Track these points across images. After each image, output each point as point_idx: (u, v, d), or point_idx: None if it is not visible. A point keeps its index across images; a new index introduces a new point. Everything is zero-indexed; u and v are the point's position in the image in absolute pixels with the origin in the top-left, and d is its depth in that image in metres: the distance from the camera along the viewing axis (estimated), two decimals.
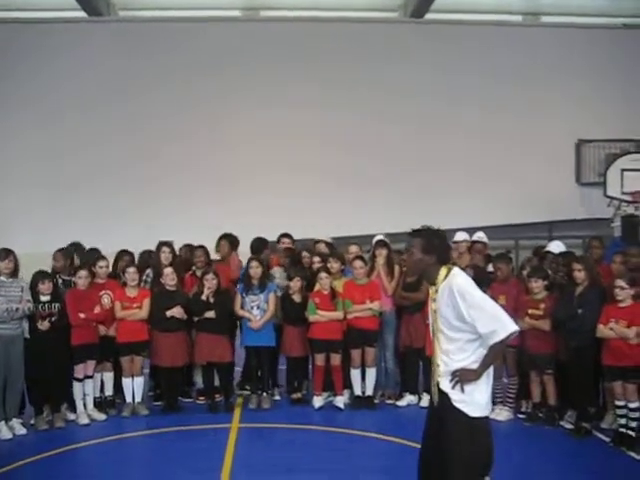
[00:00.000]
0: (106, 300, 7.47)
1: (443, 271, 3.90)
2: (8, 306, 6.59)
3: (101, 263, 7.59)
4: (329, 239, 9.01)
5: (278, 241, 8.66)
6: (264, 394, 7.75)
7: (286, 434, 6.84)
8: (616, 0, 16.37)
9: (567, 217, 14.37)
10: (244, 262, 8.06)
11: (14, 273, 6.90)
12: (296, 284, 7.76)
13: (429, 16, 15.32)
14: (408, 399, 7.75)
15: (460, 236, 8.48)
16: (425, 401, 7.07)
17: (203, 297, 7.52)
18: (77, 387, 7.20)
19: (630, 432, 6.21)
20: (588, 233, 13.36)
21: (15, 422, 6.84)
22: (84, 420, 7.14)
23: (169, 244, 8.05)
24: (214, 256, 8.36)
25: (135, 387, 7.55)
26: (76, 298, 7.18)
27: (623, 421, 6.27)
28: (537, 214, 14.21)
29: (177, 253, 8.24)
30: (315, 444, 6.51)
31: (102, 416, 7.32)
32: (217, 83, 14.26)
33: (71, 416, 7.22)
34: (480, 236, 8.60)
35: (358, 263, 7.72)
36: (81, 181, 13.79)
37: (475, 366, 3.81)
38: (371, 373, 7.73)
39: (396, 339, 7.87)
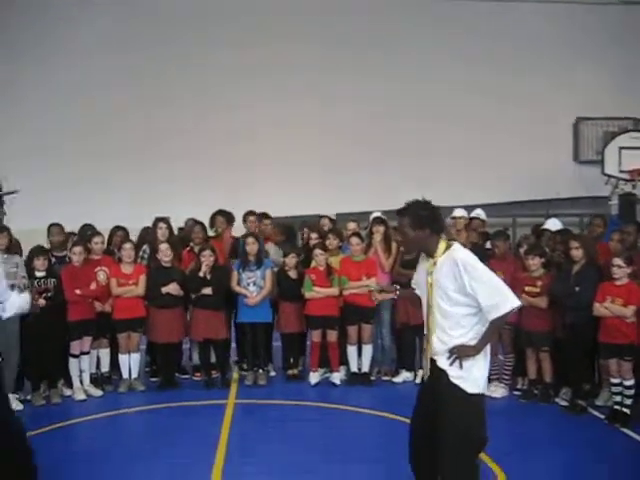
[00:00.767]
0: (102, 276, 7.45)
1: (442, 244, 3.87)
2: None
3: (96, 239, 7.55)
4: (333, 216, 8.97)
5: (260, 221, 8.59)
6: (260, 370, 7.76)
7: (282, 410, 6.86)
8: None
9: (565, 195, 14.34)
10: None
11: (9, 249, 6.87)
12: (291, 260, 7.75)
13: None
14: (404, 376, 7.77)
15: (458, 212, 8.45)
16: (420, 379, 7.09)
17: (200, 274, 7.50)
18: (73, 363, 7.21)
19: (625, 409, 6.24)
20: (586, 211, 13.39)
21: (12, 398, 6.83)
22: (80, 396, 7.15)
23: (166, 220, 8.00)
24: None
25: (132, 363, 7.56)
26: (72, 274, 7.17)
27: (618, 398, 6.30)
28: (535, 192, 14.18)
29: (176, 228, 8.20)
30: (311, 420, 6.53)
31: (98, 392, 7.34)
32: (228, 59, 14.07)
33: (67, 392, 7.26)
34: (478, 213, 8.59)
35: (355, 240, 7.71)
36: (81, 157, 13.64)
37: (473, 342, 3.79)
38: (367, 350, 7.74)
39: (393, 316, 7.86)
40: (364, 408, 6.82)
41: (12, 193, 3.65)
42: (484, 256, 7.10)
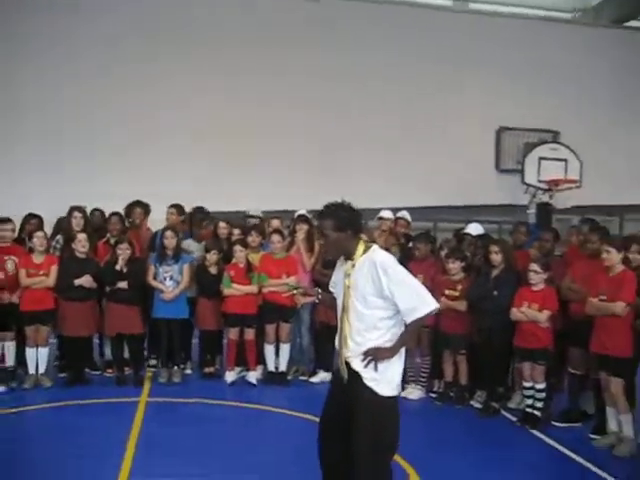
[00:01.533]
0: (10, 266, 7.10)
1: (361, 246, 3.83)
2: None
3: (6, 226, 7.19)
4: (259, 213, 8.82)
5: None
6: (175, 368, 7.57)
7: (196, 409, 6.69)
8: None
9: (485, 202, 14.60)
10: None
11: None
12: (212, 256, 7.59)
13: None
14: (322, 376, 7.71)
15: (386, 213, 8.48)
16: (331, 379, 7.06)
17: (117, 267, 7.25)
18: None
19: (536, 412, 6.36)
20: (505, 219, 13.67)
21: None
22: None
23: (81, 209, 7.72)
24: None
25: (39, 358, 7.23)
26: None
27: (530, 401, 6.41)
28: (457, 198, 14.39)
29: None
30: (225, 419, 6.42)
31: (1, 387, 6.98)
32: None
33: None
34: (403, 214, 8.62)
35: (276, 237, 7.61)
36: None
37: (389, 345, 3.76)
38: (285, 349, 7.66)
39: (312, 315, 7.80)
40: (280, 408, 6.74)
41: None
42: (406, 257, 7.17)
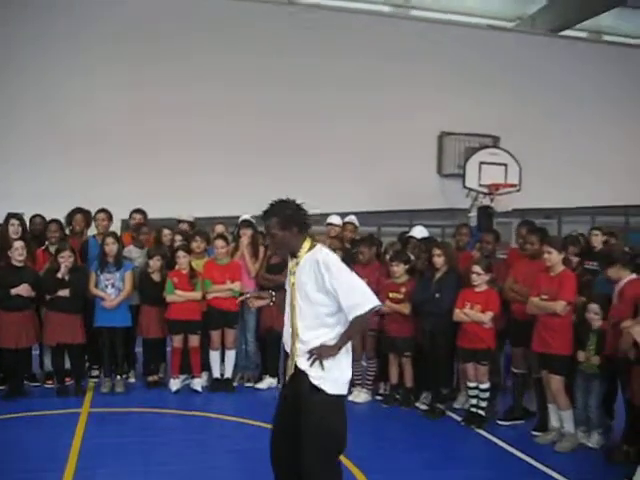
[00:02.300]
0: None
1: (307, 244, 3.84)
2: None
3: None
4: (191, 218, 8.74)
5: (130, 217, 8.31)
6: (118, 377, 7.42)
7: (140, 419, 6.57)
8: (484, 1, 17.17)
9: (428, 206, 14.76)
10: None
11: None
12: (155, 263, 7.48)
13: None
14: (268, 382, 7.67)
15: (334, 219, 8.48)
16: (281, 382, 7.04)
17: (59, 275, 7.08)
18: None
19: (480, 411, 6.45)
20: (447, 222, 13.85)
21: None
22: None
23: (19, 216, 7.52)
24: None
25: None
26: None
27: (474, 401, 6.50)
28: (400, 202, 14.50)
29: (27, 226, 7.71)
30: (171, 428, 6.34)
31: None
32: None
33: None
34: (351, 219, 8.63)
35: (220, 243, 7.55)
36: None
37: (333, 343, 3.76)
38: (230, 355, 7.59)
39: (257, 321, 7.75)
40: (227, 415, 6.67)
41: None
42: (350, 261, 7.18)
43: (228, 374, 7.62)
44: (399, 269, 7.04)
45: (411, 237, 7.87)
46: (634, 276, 5.82)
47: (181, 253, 7.43)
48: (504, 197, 13.29)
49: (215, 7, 13.94)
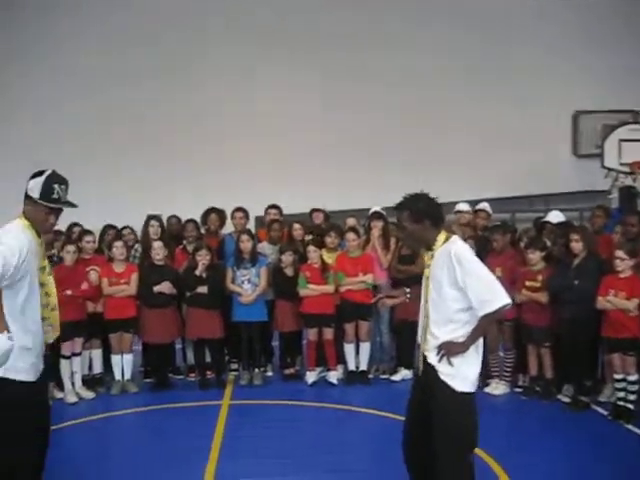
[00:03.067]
0: (93, 276, 7.28)
1: (441, 237, 3.76)
2: None
3: (88, 238, 7.40)
4: (325, 209, 8.80)
5: (265, 213, 8.47)
6: (256, 370, 7.62)
7: (278, 410, 6.71)
8: None
9: (564, 189, 14.15)
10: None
11: None
12: (288, 258, 7.60)
13: None
14: (403, 373, 7.62)
15: (462, 206, 8.28)
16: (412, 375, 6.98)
17: (197, 272, 7.35)
18: (64, 365, 7.05)
19: (628, 405, 6.11)
20: (585, 205, 13.18)
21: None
22: (72, 399, 7.01)
23: (158, 218, 7.86)
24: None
25: (124, 364, 7.41)
26: (62, 275, 6.98)
27: (621, 394, 6.17)
28: (534, 187, 14.00)
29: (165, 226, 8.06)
30: (307, 420, 6.40)
31: (90, 394, 7.19)
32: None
33: (59, 394, 7.08)
34: (484, 205, 8.39)
35: (351, 235, 7.57)
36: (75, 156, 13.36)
37: (463, 340, 3.67)
38: (365, 347, 7.60)
39: (391, 312, 7.71)
40: (362, 407, 6.69)
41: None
42: (483, 250, 7.01)
43: (363, 366, 7.64)
44: (535, 256, 6.78)
45: (547, 222, 7.56)
46: None
47: (312, 247, 7.50)
48: None
49: None
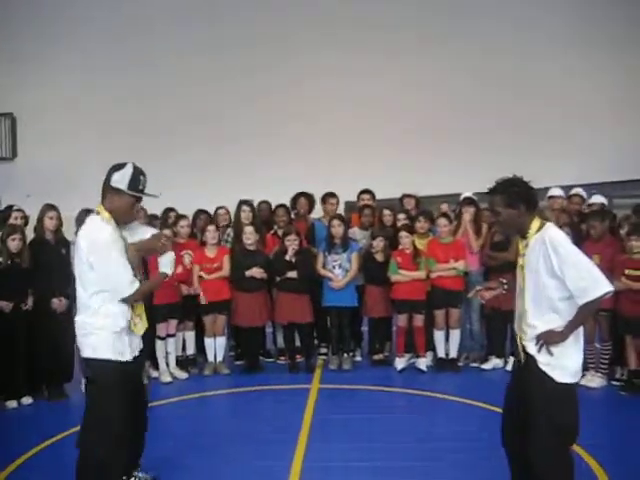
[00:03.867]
0: (187, 259, 7.47)
1: (535, 224, 3.64)
2: None
3: (182, 222, 7.57)
4: (416, 194, 8.70)
5: (358, 198, 8.45)
6: (345, 355, 7.64)
7: (366, 396, 6.72)
8: None
9: None
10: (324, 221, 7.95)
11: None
12: (379, 243, 7.56)
13: None
14: (494, 362, 7.48)
15: (555, 191, 8.01)
16: (511, 365, 6.81)
17: (287, 257, 7.42)
18: (160, 345, 7.28)
19: None
20: None
21: None
22: (167, 378, 7.23)
23: (249, 203, 7.97)
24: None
25: (217, 346, 7.58)
26: (157, 258, 7.17)
27: None
28: (634, 171, 13.41)
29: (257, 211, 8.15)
30: (396, 406, 6.38)
31: (184, 374, 7.40)
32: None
33: (154, 374, 7.32)
34: (578, 191, 8.09)
35: (442, 221, 7.46)
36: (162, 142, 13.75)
37: (561, 330, 3.55)
38: (455, 335, 7.50)
39: (481, 300, 7.55)
40: (451, 395, 6.60)
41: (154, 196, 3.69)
42: (580, 237, 6.76)
43: (453, 354, 7.55)
44: (638, 244, 6.50)
45: None
46: None
47: (404, 233, 7.43)
48: None
49: None
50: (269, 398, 6.71)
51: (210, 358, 7.59)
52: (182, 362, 7.55)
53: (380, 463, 4.91)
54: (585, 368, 6.79)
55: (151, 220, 7.51)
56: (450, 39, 13.76)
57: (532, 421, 3.58)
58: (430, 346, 7.65)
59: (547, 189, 8.04)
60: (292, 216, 8.19)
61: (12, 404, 6.40)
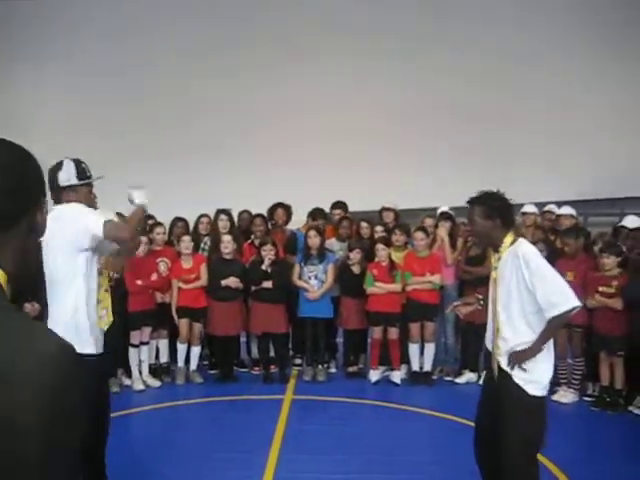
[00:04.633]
0: (163, 267, 7.43)
1: (509, 238, 3.72)
2: None
3: (158, 229, 7.53)
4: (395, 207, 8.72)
5: (330, 212, 8.46)
6: (319, 366, 7.63)
7: (340, 408, 6.70)
8: None
9: None
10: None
11: None
12: (356, 255, 7.58)
13: None
14: (468, 376, 7.51)
15: (529, 208, 8.12)
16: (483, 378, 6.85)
17: (263, 267, 7.41)
18: (133, 353, 7.21)
19: None
20: None
21: None
22: (139, 386, 7.16)
23: (227, 212, 7.96)
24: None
25: (191, 355, 7.52)
26: (133, 265, 7.15)
27: None
28: (608, 190, 13.56)
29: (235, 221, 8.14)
30: (369, 419, 6.40)
31: (157, 383, 7.34)
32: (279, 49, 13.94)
33: (127, 381, 7.25)
34: (550, 207, 8.21)
35: (419, 235, 7.50)
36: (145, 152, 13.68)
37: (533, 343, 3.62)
38: (429, 348, 7.52)
39: (457, 314, 7.60)
40: (425, 408, 6.61)
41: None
42: (554, 254, 6.83)
43: (427, 367, 7.56)
44: (610, 261, 6.58)
45: (622, 227, 7.32)
46: None
47: (380, 245, 7.46)
48: None
49: None
50: (242, 408, 6.66)
51: (180, 363, 7.51)
52: (155, 370, 7.49)
53: (352, 475, 4.91)
54: (557, 384, 6.86)
55: None
56: (439, 48, 13.85)
57: (503, 435, 3.63)
58: (404, 359, 7.66)
59: (522, 205, 8.14)
60: (269, 226, 8.18)
61: None
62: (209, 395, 7.02)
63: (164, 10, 13.96)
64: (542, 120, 13.66)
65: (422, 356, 7.56)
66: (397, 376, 7.52)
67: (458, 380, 7.55)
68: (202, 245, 7.91)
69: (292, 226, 8.43)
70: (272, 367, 7.70)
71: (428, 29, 13.87)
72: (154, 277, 7.26)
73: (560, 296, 3.54)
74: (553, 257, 6.78)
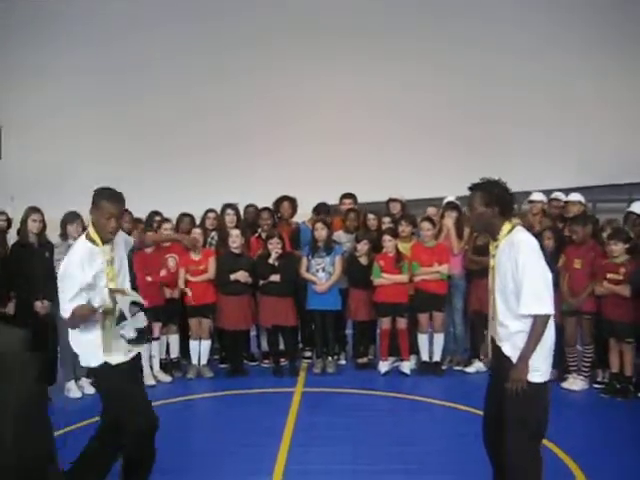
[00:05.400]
0: (172, 263, 7.45)
1: (506, 226, 3.74)
2: None
3: (166, 225, 7.55)
4: (402, 198, 8.72)
5: (340, 202, 8.47)
6: (329, 358, 7.65)
7: (350, 399, 6.72)
8: None
9: None
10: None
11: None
12: (363, 247, 7.58)
13: None
14: (477, 366, 7.51)
15: (536, 196, 8.08)
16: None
17: (270, 261, 7.42)
18: (143, 349, 7.23)
19: None
20: None
21: (84, 381, 6.95)
22: (150, 381, 7.16)
23: (233, 206, 7.98)
24: None
25: (201, 350, 7.56)
26: (143, 261, 7.18)
27: None
28: (616, 176, 13.53)
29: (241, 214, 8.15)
30: (379, 410, 6.39)
31: (168, 378, 7.38)
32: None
33: None
34: (557, 195, 8.17)
35: (426, 225, 7.50)
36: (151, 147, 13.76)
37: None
38: (438, 338, 7.53)
39: (465, 303, 7.61)
40: (435, 398, 6.63)
41: None
42: (562, 241, 6.82)
43: (437, 357, 7.57)
44: (618, 248, 6.55)
45: (631, 213, 7.27)
46: None
47: (387, 237, 7.46)
48: None
49: None
50: (252, 401, 6.70)
51: (194, 361, 7.56)
52: (166, 365, 7.53)
53: (363, 467, 4.93)
54: (567, 371, 6.86)
55: (136, 224, 7.49)
56: (445, 45, 13.83)
57: (508, 421, 3.66)
58: (414, 349, 7.67)
59: (529, 193, 8.12)
60: (276, 219, 8.19)
61: None
62: (220, 389, 7.06)
63: (164, 10, 13.99)
64: (548, 109, 13.64)
65: (431, 346, 7.57)
66: (407, 366, 7.53)
67: (468, 369, 7.56)
68: (209, 240, 7.92)
69: (297, 219, 8.43)
70: (282, 360, 7.72)
71: (439, 27, 13.84)
72: (163, 273, 7.29)
73: (537, 297, 3.57)
74: (561, 245, 6.80)
